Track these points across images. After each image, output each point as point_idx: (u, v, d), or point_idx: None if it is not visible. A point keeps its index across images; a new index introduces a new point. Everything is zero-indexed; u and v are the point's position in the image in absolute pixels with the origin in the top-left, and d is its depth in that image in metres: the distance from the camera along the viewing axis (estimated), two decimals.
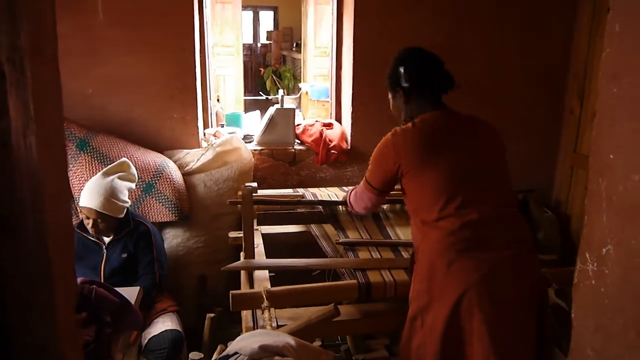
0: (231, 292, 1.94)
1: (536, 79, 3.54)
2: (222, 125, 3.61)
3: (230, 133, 3.37)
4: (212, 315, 2.82)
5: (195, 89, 3.23)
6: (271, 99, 9.80)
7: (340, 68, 3.67)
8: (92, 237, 2.65)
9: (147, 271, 2.64)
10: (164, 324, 2.60)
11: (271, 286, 2.20)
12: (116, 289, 1.79)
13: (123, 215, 2.62)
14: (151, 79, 3.16)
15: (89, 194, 2.52)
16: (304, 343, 1.55)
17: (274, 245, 2.72)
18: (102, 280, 2.58)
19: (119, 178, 2.61)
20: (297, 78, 9.86)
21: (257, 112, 4.13)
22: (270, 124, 3.44)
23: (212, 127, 3.56)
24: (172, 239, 3.10)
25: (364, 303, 2.17)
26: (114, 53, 3.09)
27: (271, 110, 3.47)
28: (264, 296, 1.91)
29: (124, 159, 2.71)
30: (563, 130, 3.58)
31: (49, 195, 0.81)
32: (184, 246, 3.09)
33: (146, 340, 2.51)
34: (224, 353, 1.53)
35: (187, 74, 3.20)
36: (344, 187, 3.14)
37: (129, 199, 2.66)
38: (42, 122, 0.82)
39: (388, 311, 2.13)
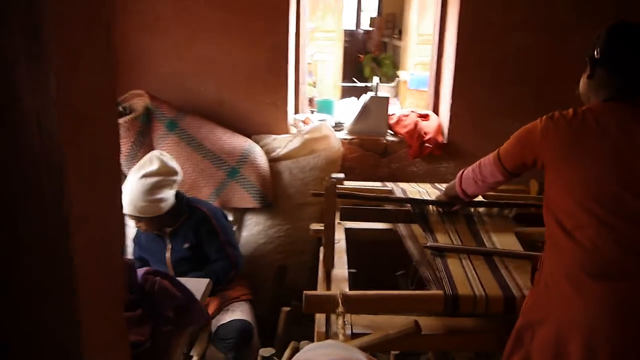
0: (305, 292, 1.81)
1: None
2: (313, 112, 3.49)
3: (320, 120, 3.24)
4: (287, 309, 2.72)
5: (287, 74, 3.12)
6: (368, 87, 9.62)
7: (442, 57, 3.42)
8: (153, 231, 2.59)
9: (220, 256, 2.56)
10: (233, 313, 2.52)
11: (350, 287, 2.06)
12: (187, 278, 1.71)
13: (162, 212, 2.47)
14: (243, 62, 3.09)
15: (123, 198, 2.42)
16: None
17: (356, 241, 2.56)
18: (171, 272, 2.54)
19: (149, 175, 2.42)
20: (396, 66, 9.58)
21: (354, 99, 3.96)
22: (363, 112, 3.27)
23: (303, 113, 3.45)
24: (254, 225, 3.03)
25: (450, 317, 1.96)
26: (208, 35, 3.05)
27: (365, 98, 3.30)
28: (340, 300, 1.75)
29: (153, 152, 2.52)
30: None
31: (77, 199, 0.70)
32: (265, 234, 3.01)
33: (215, 328, 2.45)
34: None
35: (280, 58, 3.10)
36: (437, 184, 2.92)
37: (170, 191, 2.49)
38: (72, 105, 0.71)
39: (476, 330, 1.91)
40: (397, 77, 7.93)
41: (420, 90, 7.18)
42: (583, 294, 1.50)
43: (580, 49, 3.04)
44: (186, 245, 2.56)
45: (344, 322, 1.69)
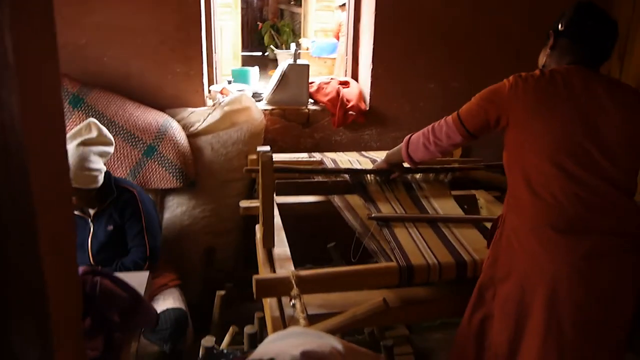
0: (254, 277, 1.67)
1: None
2: (230, 82, 3.29)
3: (239, 90, 3.05)
4: (222, 292, 2.56)
5: (201, 40, 2.90)
6: (268, 55, 9.41)
7: (359, 21, 3.33)
8: (76, 211, 2.33)
9: (137, 243, 2.35)
10: (165, 302, 2.34)
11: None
12: (125, 273, 1.52)
13: (98, 185, 2.27)
14: (151, 28, 2.81)
15: None
16: (353, 347, 1.29)
17: (290, 216, 2.45)
18: (90, 258, 2.31)
19: (85, 143, 2.22)
20: (296, 33, 9.43)
21: (256, 68, 3.78)
22: (282, 81, 3.12)
23: (217, 83, 3.23)
24: (176, 207, 2.81)
25: (401, 288, 1.91)
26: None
27: (283, 66, 3.15)
28: (293, 282, 1.64)
29: (90, 119, 2.31)
30: None
31: (41, 184, 0.54)
32: (189, 215, 2.80)
33: None
34: (257, 357, 1.26)
35: (192, 23, 2.86)
36: (364, 152, 2.86)
37: (104, 165, 2.30)
38: (29, 73, 0.54)
39: (433, 298, 1.88)
40: (299, 44, 7.79)
41: (323, 58, 7.10)
42: (548, 248, 1.54)
43: (505, 13, 3.12)
44: (110, 228, 2.33)
45: (302, 305, 1.58)
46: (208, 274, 2.85)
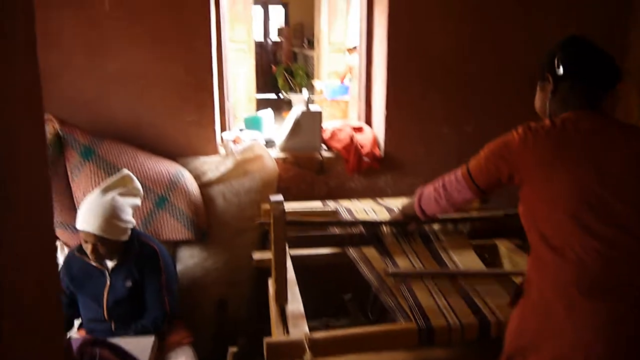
0: (266, 340, 1.59)
1: None
2: (241, 129, 3.26)
3: (252, 139, 3.01)
4: (234, 349, 2.47)
5: (212, 88, 2.88)
6: (283, 99, 9.48)
7: (371, 65, 3.31)
8: (94, 262, 2.28)
9: (156, 301, 2.28)
10: None
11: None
12: (128, 339, 1.44)
13: (127, 238, 2.24)
14: (162, 77, 2.80)
15: (86, 216, 2.14)
16: None
17: (304, 268, 2.36)
18: (104, 312, 2.24)
19: (121, 194, 2.22)
20: (310, 76, 9.49)
21: (270, 111, 3.74)
22: (295, 128, 3.08)
23: (230, 130, 3.20)
24: (188, 258, 2.74)
25: (421, 349, 1.82)
26: (120, 48, 2.73)
27: (296, 112, 3.12)
28: (307, 345, 1.55)
29: (124, 171, 2.32)
30: None
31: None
32: (201, 267, 2.73)
33: None
34: None
35: (203, 71, 2.85)
36: (379, 200, 2.79)
37: (133, 217, 2.28)
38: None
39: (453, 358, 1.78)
40: (312, 87, 7.82)
41: (337, 100, 7.10)
42: (575, 312, 1.42)
43: (516, 55, 3.08)
44: (128, 284, 2.26)
45: None
46: (221, 327, 2.76)
